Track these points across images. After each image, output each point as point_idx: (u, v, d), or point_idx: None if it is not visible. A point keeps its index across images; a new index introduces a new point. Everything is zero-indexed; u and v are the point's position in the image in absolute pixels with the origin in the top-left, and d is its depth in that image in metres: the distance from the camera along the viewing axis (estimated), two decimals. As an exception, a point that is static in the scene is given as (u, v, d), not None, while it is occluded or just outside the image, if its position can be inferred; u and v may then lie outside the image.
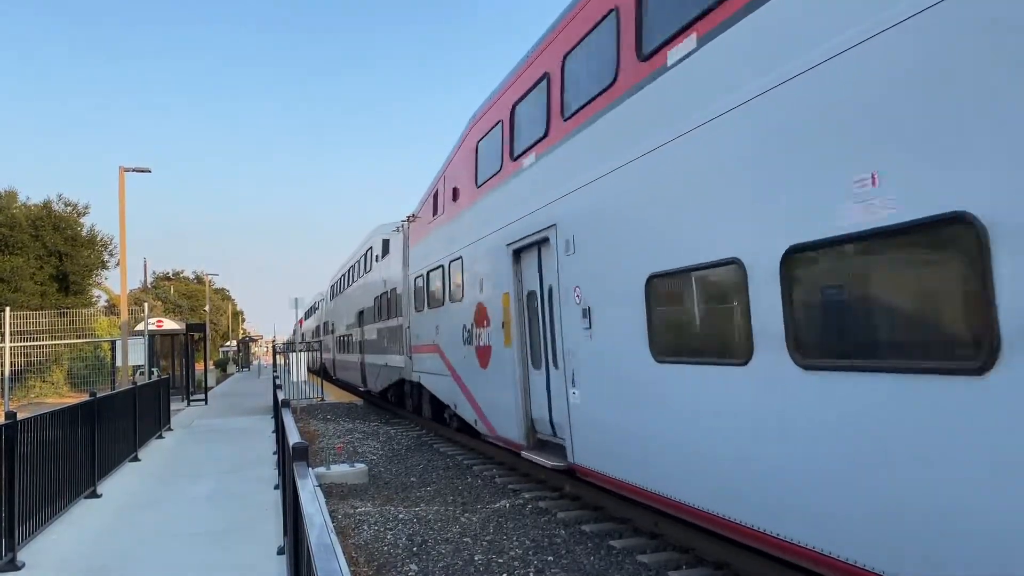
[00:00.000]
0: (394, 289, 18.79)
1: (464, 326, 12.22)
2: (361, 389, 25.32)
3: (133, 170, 23.53)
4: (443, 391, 14.12)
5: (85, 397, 10.47)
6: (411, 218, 16.65)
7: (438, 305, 14.06)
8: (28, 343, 25.24)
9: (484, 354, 11.21)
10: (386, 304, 20.10)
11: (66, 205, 35.58)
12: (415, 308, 16.13)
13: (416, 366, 16.36)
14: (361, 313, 24.75)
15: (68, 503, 8.93)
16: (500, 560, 7.25)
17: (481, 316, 11.24)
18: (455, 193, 13.13)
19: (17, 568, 6.74)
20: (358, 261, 26.03)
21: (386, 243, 20.32)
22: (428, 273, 14.86)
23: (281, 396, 10.14)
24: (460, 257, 12.46)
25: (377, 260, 21.90)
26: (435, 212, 14.64)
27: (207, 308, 58.58)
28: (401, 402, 19.70)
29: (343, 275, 31.12)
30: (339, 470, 11.41)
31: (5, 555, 6.72)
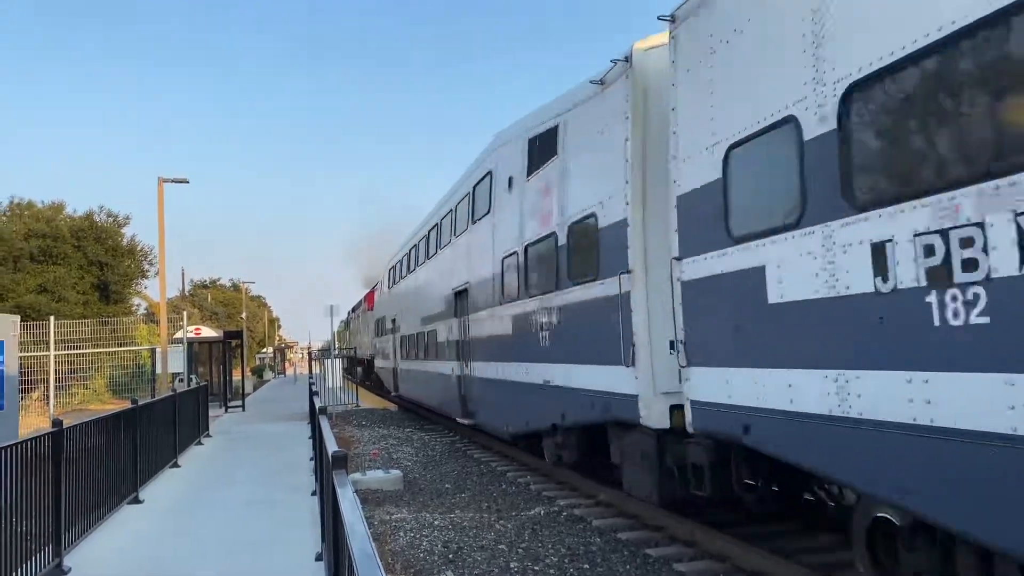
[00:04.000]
0: None
1: None
2: None
3: (171, 181, 23.98)
4: None
5: (127, 404, 10.68)
6: None
7: None
8: (71, 351, 25.82)
9: None
10: None
11: (108, 216, 36.44)
12: None
13: None
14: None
15: (111, 509, 9.10)
16: (536, 568, 7.24)
17: None
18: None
19: (64, 573, 6.89)
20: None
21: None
22: None
23: (318, 403, 10.25)
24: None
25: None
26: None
27: (243, 315, 59.47)
28: None
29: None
30: (374, 476, 11.50)
31: (52, 560, 6.88)
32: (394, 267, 26.60)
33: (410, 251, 22.82)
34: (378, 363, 31.64)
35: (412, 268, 22.25)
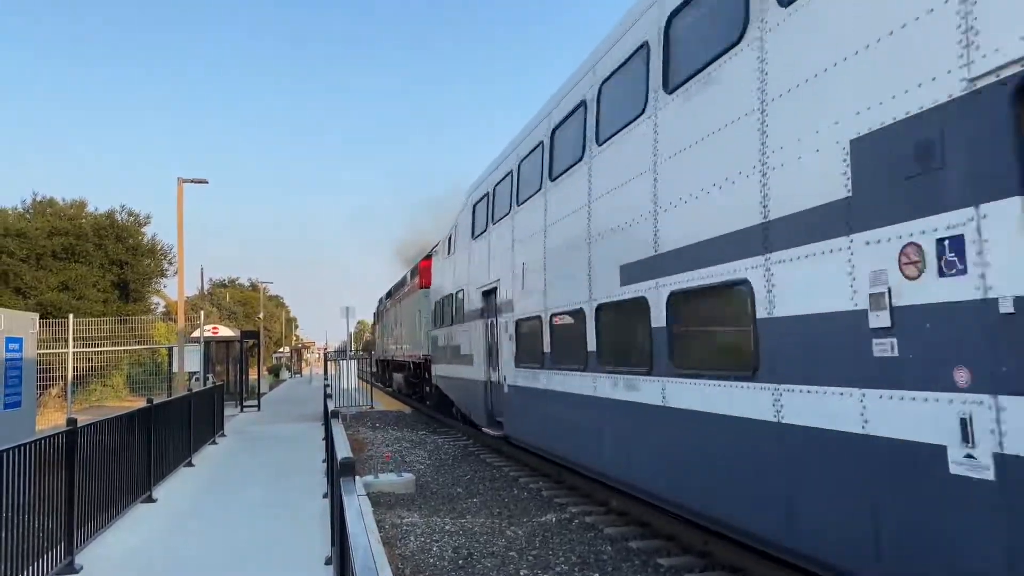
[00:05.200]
0: None
1: None
2: None
3: (191, 181, 24.15)
4: None
5: (143, 401, 10.76)
6: None
7: None
8: (90, 349, 26.09)
9: None
10: None
11: (129, 215, 36.76)
12: None
13: None
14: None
15: (125, 507, 9.16)
16: (546, 576, 7.19)
17: None
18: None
19: (76, 571, 6.93)
20: None
21: None
22: None
23: (331, 406, 10.26)
24: None
25: None
26: None
27: (260, 315, 59.83)
28: None
29: None
30: (387, 479, 11.49)
31: (64, 558, 6.92)
32: (489, 194, 14.32)
33: (551, 137, 10.56)
34: (441, 371, 19.45)
35: (563, 169, 10.02)
